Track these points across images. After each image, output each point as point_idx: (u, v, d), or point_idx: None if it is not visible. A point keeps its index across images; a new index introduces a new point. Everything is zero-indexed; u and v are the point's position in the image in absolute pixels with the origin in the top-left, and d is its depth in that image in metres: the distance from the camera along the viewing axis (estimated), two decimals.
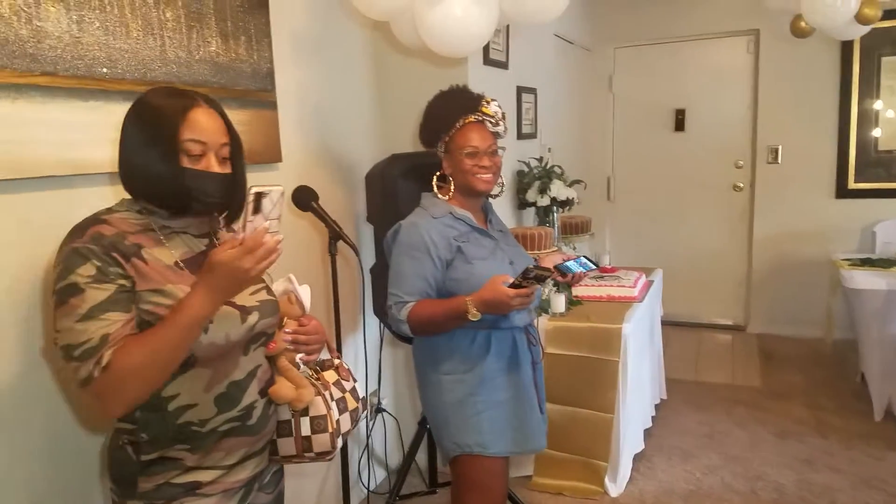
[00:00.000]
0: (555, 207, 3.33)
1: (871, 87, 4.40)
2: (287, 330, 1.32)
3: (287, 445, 1.33)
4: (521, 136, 3.44)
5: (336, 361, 1.45)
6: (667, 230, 5.08)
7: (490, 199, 2.02)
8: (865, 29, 3.29)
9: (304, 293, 1.34)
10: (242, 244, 1.08)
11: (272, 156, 2.06)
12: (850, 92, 4.43)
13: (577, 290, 3.04)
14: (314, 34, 2.39)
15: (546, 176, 3.32)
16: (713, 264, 4.98)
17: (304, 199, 1.89)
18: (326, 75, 2.47)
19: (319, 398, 1.33)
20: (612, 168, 5.21)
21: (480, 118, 1.86)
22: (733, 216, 4.91)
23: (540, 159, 3.47)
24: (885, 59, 4.35)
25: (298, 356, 1.33)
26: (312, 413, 1.32)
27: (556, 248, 3.04)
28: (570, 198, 3.32)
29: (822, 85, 4.49)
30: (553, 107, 4.01)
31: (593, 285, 3.11)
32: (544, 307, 2.84)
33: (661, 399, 3.60)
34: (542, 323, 2.75)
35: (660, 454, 3.11)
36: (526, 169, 3.38)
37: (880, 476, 2.86)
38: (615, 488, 2.73)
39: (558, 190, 3.26)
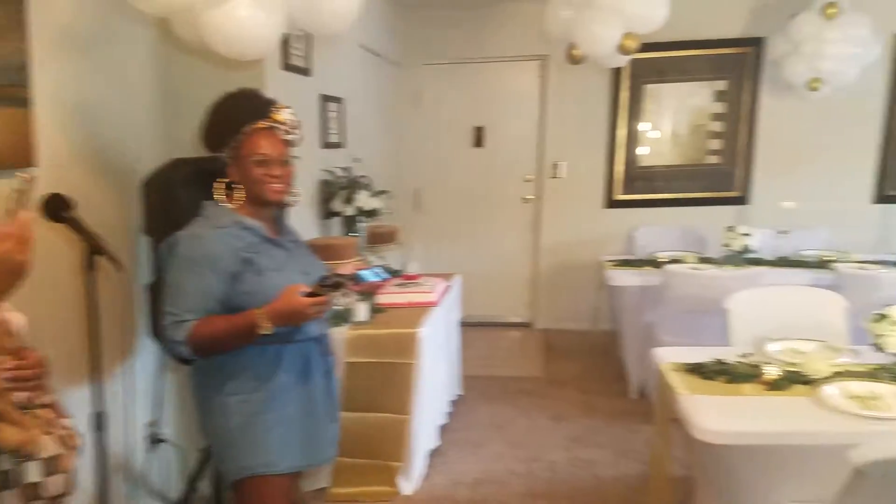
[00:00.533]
0: (361, 217, 3.26)
1: (636, 111, 4.85)
2: (6, 367, 1.08)
3: (10, 498, 1.09)
4: (326, 145, 3.32)
5: (51, 397, 1.22)
6: (469, 239, 5.25)
7: (284, 209, 1.87)
8: (628, 59, 3.61)
9: (18, 321, 1.11)
10: (15, 235, 0.95)
11: (22, 159, 1.73)
12: (617, 114, 4.85)
13: (381, 298, 2.99)
14: (85, 28, 2.08)
15: (352, 186, 3.24)
16: (507, 269, 5.25)
17: (55, 208, 1.59)
18: (99, 73, 2.16)
19: (48, 438, 1.12)
20: (421, 180, 5.25)
21: (271, 125, 1.71)
22: (524, 225, 5.19)
23: (346, 169, 3.37)
24: (647, 87, 4.82)
25: (20, 395, 1.10)
26: (41, 455, 1.10)
27: (359, 258, 2.96)
28: (377, 208, 3.27)
29: (597, 108, 4.87)
30: (362, 118, 3.93)
31: (396, 292, 3.08)
32: (346, 316, 2.75)
33: (458, 395, 3.68)
34: (344, 332, 2.66)
35: (453, 448, 3.16)
36: (332, 179, 3.26)
37: (635, 447, 3.15)
38: (409, 486, 2.72)
39: (364, 200, 3.20)
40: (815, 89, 4.16)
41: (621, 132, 4.88)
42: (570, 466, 2.99)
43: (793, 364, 2.04)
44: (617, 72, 4.71)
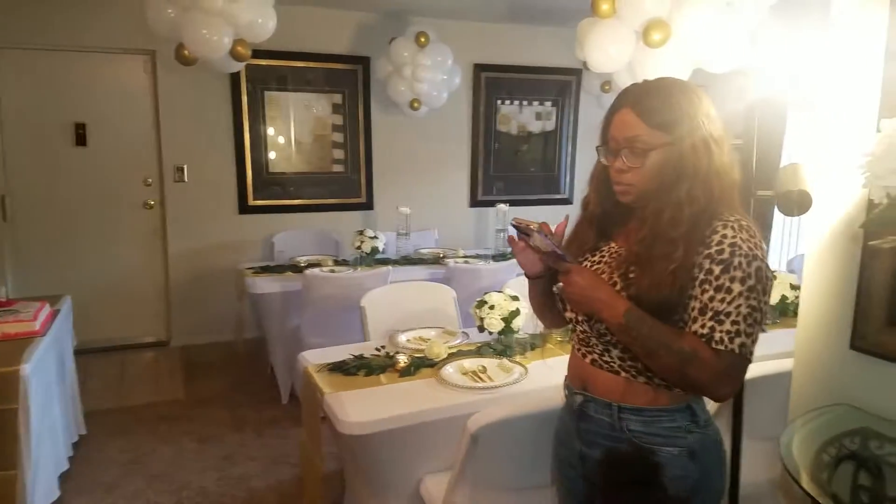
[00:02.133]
0: None
1: (258, 116, 4.84)
2: None
3: None
4: None
5: None
6: (79, 252, 4.55)
7: None
8: (243, 64, 3.57)
9: None
10: None
11: None
12: (241, 119, 4.78)
13: None
14: None
15: None
16: (131, 283, 4.73)
17: None
18: None
19: None
20: (7, 184, 4.33)
21: None
22: (147, 233, 4.74)
23: None
24: (268, 93, 4.85)
25: None
26: None
27: None
28: None
29: (218, 111, 4.73)
30: None
31: None
32: None
33: (81, 435, 3.18)
34: None
35: (80, 496, 2.76)
36: None
37: (287, 452, 3.19)
38: None
39: None
40: (416, 109, 4.80)
41: (247, 137, 4.82)
42: (223, 487, 2.88)
43: (419, 350, 2.35)
44: (236, 75, 4.63)
